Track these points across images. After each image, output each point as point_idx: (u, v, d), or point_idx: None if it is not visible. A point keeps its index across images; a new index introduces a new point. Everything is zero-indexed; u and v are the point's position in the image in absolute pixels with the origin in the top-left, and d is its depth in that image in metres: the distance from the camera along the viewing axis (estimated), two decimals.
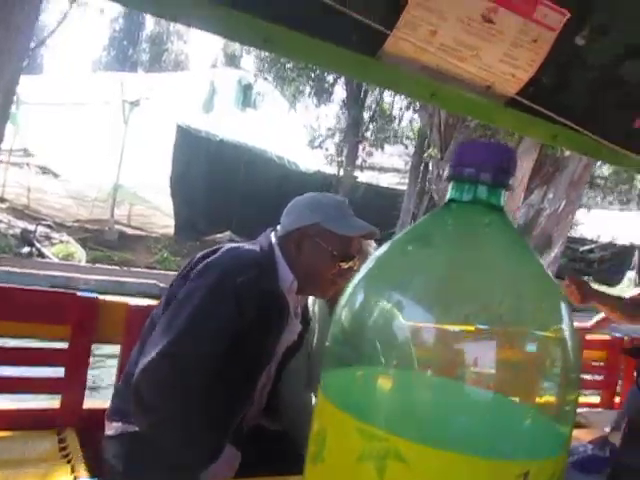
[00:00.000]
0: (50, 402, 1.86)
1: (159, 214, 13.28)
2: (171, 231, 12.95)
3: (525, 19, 1.21)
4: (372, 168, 16.02)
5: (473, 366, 0.45)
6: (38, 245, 9.72)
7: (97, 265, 9.25)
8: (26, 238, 9.82)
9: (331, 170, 15.68)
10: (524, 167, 6.34)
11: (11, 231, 10.03)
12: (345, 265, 1.56)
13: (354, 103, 16.04)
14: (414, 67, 1.24)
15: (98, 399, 1.97)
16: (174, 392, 1.35)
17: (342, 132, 16.54)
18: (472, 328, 0.46)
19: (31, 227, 10.19)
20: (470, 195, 0.52)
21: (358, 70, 1.25)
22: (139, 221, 12.74)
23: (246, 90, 19.26)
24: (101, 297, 1.84)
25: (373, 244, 1.89)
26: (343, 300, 0.53)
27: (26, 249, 9.61)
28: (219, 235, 13.96)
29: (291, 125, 18.00)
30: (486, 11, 1.18)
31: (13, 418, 1.77)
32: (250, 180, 14.09)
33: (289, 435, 1.74)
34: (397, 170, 16.64)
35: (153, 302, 1.85)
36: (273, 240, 1.63)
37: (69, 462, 1.64)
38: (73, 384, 1.78)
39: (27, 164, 13.77)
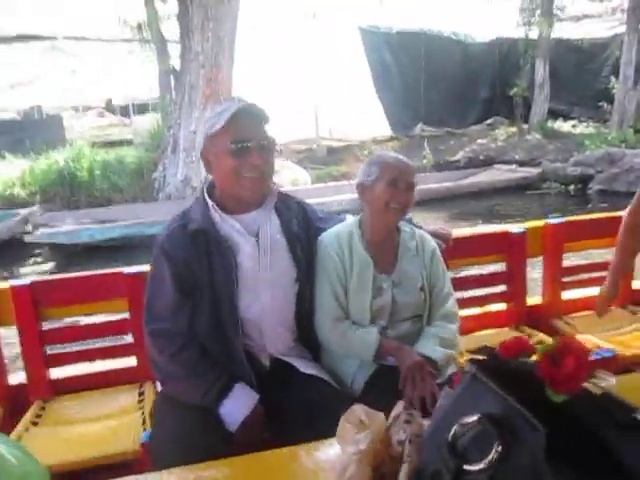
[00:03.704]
0: (127, 361, 2.19)
1: (354, 121, 13.60)
2: (369, 136, 13.32)
3: None
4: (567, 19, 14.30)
5: None
6: None
7: (332, 183, 9.89)
8: None
9: (518, 32, 14.35)
10: None
11: None
12: (237, 149, 1.58)
13: None
14: None
15: None
16: (156, 351, 1.63)
17: None
18: None
19: None
20: None
21: None
22: (339, 132, 13.17)
23: None
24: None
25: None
26: None
27: None
28: (415, 128, 14.00)
29: None
30: None
31: (104, 377, 2.17)
32: (432, 65, 13.71)
33: (322, 380, 1.71)
34: (595, 16, 14.66)
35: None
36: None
37: (143, 414, 1.91)
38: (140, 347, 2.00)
39: None
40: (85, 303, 2.11)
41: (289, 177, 10.66)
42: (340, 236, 1.80)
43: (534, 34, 13.88)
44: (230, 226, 1.65)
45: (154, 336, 1.63)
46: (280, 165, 11.14)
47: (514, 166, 11.09)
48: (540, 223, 2.58)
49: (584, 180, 9.98)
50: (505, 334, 2.40)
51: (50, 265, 7.51)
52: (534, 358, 0.89)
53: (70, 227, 7.71)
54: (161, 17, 10.02)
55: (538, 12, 13.56)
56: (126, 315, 2.09)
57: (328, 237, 1.82)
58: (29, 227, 8.61)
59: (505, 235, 2.49)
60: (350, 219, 1.91)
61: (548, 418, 0.76)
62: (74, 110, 17.53)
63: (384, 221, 1.79)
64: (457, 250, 2.08)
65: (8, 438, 1.05)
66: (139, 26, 10.33)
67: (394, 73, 13.45)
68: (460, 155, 12.11)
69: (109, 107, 19.11)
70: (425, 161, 11.66)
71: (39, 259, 7.77)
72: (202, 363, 1.59)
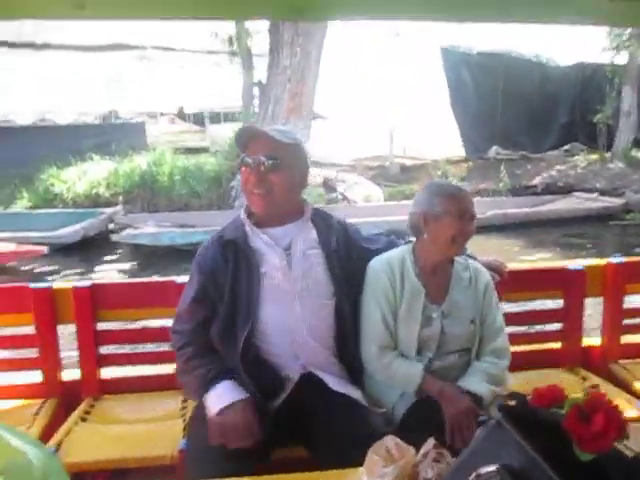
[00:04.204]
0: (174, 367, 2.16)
1: (427, 140, 13.53)
2: (442, 156, 13.21)
3: None
4: None
5: None
6: (341, 190, 10.71)
7: (403, 202, 9.88)
8: (329, 185, 10.88)
9: (603, 58, 13.93)
10: None
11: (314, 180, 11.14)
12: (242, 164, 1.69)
13: None
14: None
15: None
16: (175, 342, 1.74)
17: None
18: None
19: (328, 173, 11.24)
20: None
21: None
22: (413, 150, 13.15)
23: None
24: None
25: None
26: None
27: (332, 195, 10.69)
28: (489, 151, 13.81)
29: None
30: None
31: (152, 381, 2.19)
32: (511, 87, 13.47)
33: (352, 401, 1.66)
34: None
35: None
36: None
37: (184, 420, 1.90)
38: None
39: None
40: (139, 308, 2.19)
41: (362, 193, 10.69)
42: (392, 262, 1.77)
43: (620, 60, 13.43)
44: (259, 238, 1.73)
45: (171, 333, 1.78)
46: (352, 180, 11.22)
47: (595, 195, 10.69)
48: (601, 261, 2.50)
49: None
50: (558, 374, 2.33)
51: (131, 264, 7.80)
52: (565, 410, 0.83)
53: (153, 229, 8.01)
54: (251, 32, 10.34)
55: (625, 37, 13.11)
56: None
57: (379, 261, 1.79)
58: (112, 226, 9.04)
59: (563, 272, 2.41)
60: (402, 246, 1.87)
61: (572, 476, 0.72)
62: (148, 116, 18.21)
63: (447, 253, 1.76)
64: (512, 284, 2.02)
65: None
66: (230, 39, 10.67)
67: (471, 93, 13.31)
68: (537, 180, 11.81)
69: (181, 114, 19.78)
70: (501, 184, 11.43)
71: (122, 257, 8.09)
72: (196, 359, 1.67)
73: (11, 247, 7.17)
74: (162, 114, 18.86)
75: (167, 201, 10.18)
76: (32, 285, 2.12)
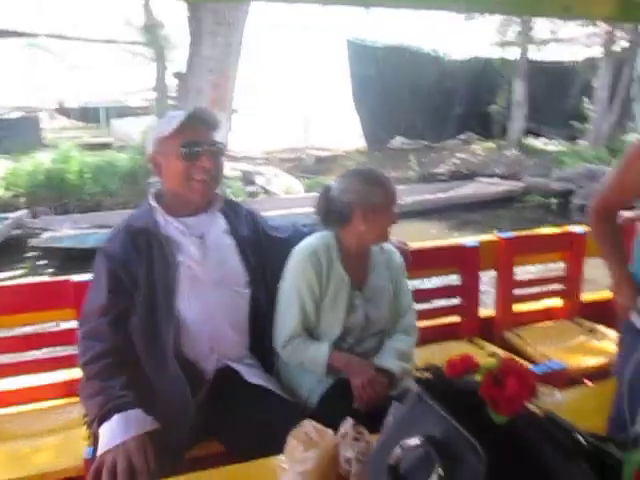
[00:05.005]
0: (73, 372, 2.00)
1: (336, 132, 13.78)
2: (352, 146, 13.52)
3: None
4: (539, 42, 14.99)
5: None
6: (260, 183, 10.62)
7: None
8: (248, 178, 10.73)
9: (496, 52, 14.96)
10: None
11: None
12: (188, 152, 1.60)
13: None
14: None
15: None
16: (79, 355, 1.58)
17: None
18: None
19: (246, 167, 11.09)
20: None
21: None
22: (324, 142, 13.32)
23: None
24: None
25: None
26: None
27: (251, 188, 10.56)
28: (393, 141, 14.36)
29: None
30: None
31: (48, 390, 2.03)
32: (412, 80, 14.09)
33: (270, 392, 1.65)
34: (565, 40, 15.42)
35: None
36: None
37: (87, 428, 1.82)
38: None
39: None
40: (32, 311, 1.98)
41: (281, 185, 10.67)
42: (317, 250, 1.74)
43: (508, 54, 14.53)
44: (174, 227, 1.66)
45: (79, 339, 1.58)
46: (271, 173, 11.18)
47: (496, 179, 11.52)
48: (493, 237, 2.63)
49: (565, 195, 10.47)
50: (459, 346, 2.46)
51: (50, 270, 7.25)
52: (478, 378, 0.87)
53: (73, 231, 7.48)
54: (161, 22, 9.91)
55: (513, 33, 14.19)
56: (73, 324, 1.88)
57: (304, 250, 1.75)
58: (18, 231, 8.30)
59: (460, 248, 2.52)
60: (320, 233, 1.81)
61: (490, 440, 0.75)
62: (24, 111, 16.56)
63: (379, 241, 1.80)
64: (413, 262, 2.05)
65: None
66: (143, 28, 10.15)
67: (374, 86, 13.67)
68: (443, 168, 12.46)
69: (62, 110, 18.46)
70: (411, 173, 11.93)
71: (39, 262, 7.48)
72: (99, 380, 1.48)
73: None
74: (40, 110, 17.22)
75: (77, 201, 9.49)
76: None
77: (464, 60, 15.32)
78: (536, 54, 14.74)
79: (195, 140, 1.60)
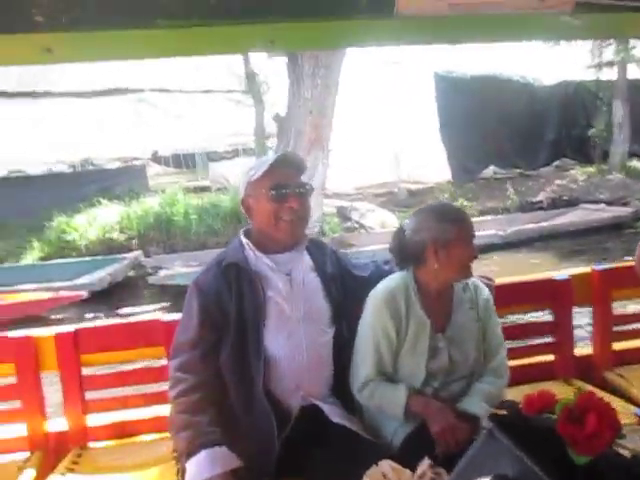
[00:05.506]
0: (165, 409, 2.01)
1: (427, 164, 13.76)
2: (443, 178, 13.42)
3: None
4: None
5: None
6: (355, 218, 10.74)
7: None
8: (343, 214, 10.90)
9: (587, 74, 14.50)
10: None
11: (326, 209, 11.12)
12: (276, 194, 1.64)
13: None
14: None
15: None
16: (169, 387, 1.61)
17: None
18: None
19: (340, 202, 11.28)
20: None
21: None
22: (415, 175, 13.34)
23: None
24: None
25: None
26: None
27: (347, 224, 10.71)
28: (485, 171, 14.10)
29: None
30: None
31: (141, 424, 2.12)
32: (502, 109, 13.86)
33: (354, 433, 1.62)
34: None
35: None
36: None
37: (178, 463, 1.77)
38: None
39: None
40: (125, 350, 2.11)
41: (376, 219, 10.75)
42: (395, 293, 1.69)
43: (602, 75, 14.00)
44: (263, 263, 1.70)
45: (170, 371, 1.63)
46: (365, 208, 11.30)
47: (602, 205, 10.97)
48: (586, 270, 2.49)
49: None
50: (554, 387, 2.19)
51: (163, 304, 7.67)
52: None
53: (185, 269, 7.90)
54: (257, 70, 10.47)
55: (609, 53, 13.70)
56: (163, 362, 2.01)
57: (381, 293, 1.71)
58: (132, 272, 8.88)
59: (550, 282, 2.39)
60: (398, 273, 1.78)
61: None
62: (121, 162, 17.65)
63: (458, 279, 1.73)
64: (500, 299, 1.95)
65: None
66: (246, 76, 10.78)
67: (461, 117, 13.50)
68: (542, 196, 12.07)
69: (156, 158, 19.61)
70: (509, 202, 11.64)
71: (154, 298, 7.94)
72: (190, 414, 1.53)
73: (46, 295, 6.96)
74: (136, 159, 18.40)
75: (184, 241, 10.05)
76: (11, 334, 2.05)
77: (553, 85, 14.93)
78: (636, 73, 14.11)
79: (283, 183, 1.66)
